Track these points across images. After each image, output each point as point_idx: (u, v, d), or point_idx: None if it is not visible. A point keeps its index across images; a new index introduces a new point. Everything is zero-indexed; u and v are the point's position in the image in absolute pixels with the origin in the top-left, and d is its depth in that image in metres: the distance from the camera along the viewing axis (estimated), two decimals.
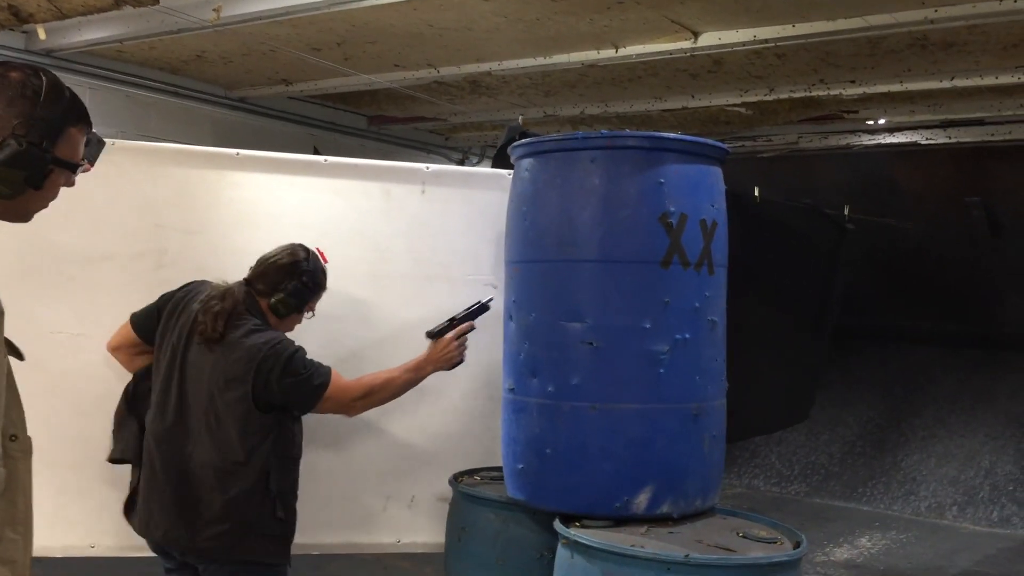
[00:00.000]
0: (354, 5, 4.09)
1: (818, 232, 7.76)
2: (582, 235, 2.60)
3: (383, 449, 3.37)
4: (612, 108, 6.38)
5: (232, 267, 3.11)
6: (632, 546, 2.33)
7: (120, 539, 3.05)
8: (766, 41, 4.47)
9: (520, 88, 6.04)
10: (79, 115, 1.74)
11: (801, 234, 7.61)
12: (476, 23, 4.47)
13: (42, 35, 4.52)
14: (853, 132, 7.19)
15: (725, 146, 2.77)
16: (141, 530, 2.76)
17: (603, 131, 3.12)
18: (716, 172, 2.74)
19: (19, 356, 1.72)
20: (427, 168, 3.49)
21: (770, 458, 8.23)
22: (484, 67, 5.23)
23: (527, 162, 2.79)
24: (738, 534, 2.52)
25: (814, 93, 5.66)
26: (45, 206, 1.77)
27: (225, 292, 2.76)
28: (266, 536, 2.66)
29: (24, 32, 4.94)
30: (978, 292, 8.39)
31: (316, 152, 6.35)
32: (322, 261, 2.93)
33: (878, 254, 8.43)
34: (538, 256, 2.71)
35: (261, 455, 2.64)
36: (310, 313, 2.93)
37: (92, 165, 1.83)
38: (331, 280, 3.02)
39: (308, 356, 2.72)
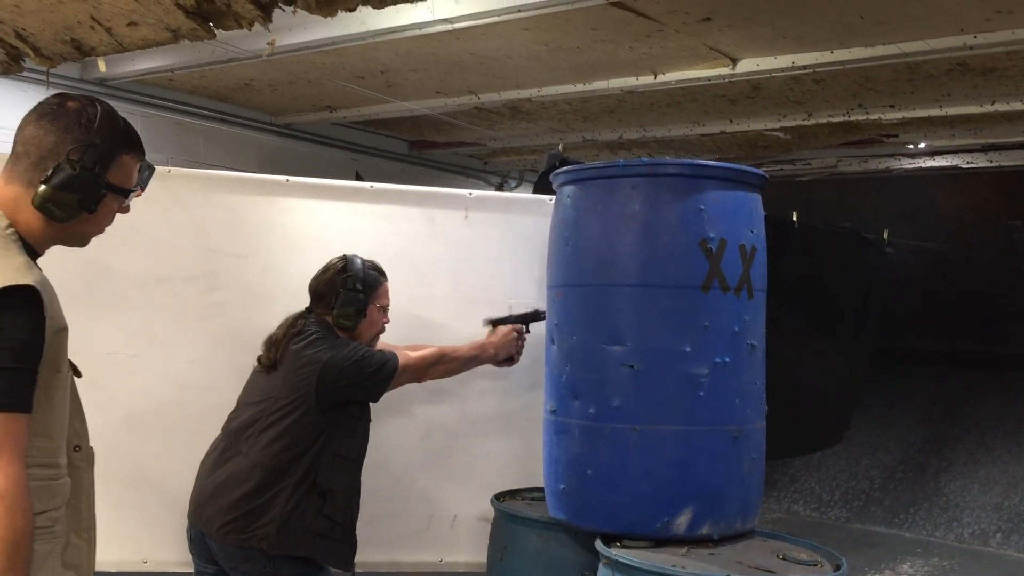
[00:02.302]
0: (397, 35, 4.18)
1: (857, 256, 7.72)
2: (623, 260, 2.65)
3: (426, 469, 3.43)
4: (650, 133, 6.42)
5: (280, 289, 3.22)
6: (673, 567, 2.35)
7: (171, 554, 3.14)
8: (804, 67, 4.50)
9: (559, 114, 6.11)
10: (132, 143, 1.80)
11: (840, 258, 7.58)
12: (517, 51, 4.55)
13: (102, 67, 4.65)
14: (893, 156, 7.17)
15: (764, 173, 2.81)
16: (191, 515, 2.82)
17: (643, 158, 3.18)
18: (755, 199, 2.79)
19: (77, 374, 1.81)
20: (470, 194, 3.57)
21: (810, 483, 8.16)
22: (524, 93, 5.30)
23: (569, 189, 2.85)
24: (778, 556, 2.54)
25: (853, 118, 5.66)
26: (101, 231, 1.84)
27: (282, 323, 2.92)
28: (311, 533, 2.70)
29: (81, 63, 5.10)
30: (1020, 316, 8.30)
31: (358, 177, 6.46)
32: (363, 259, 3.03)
33: (919, 278, 8.38)
34: (580, 280, 2.76)
35: (310, 455, 2.72)
36: (383, 308, 3.03)
37: (143, 190, 1.91)
38: None
39: (372, 352, 2.88)
